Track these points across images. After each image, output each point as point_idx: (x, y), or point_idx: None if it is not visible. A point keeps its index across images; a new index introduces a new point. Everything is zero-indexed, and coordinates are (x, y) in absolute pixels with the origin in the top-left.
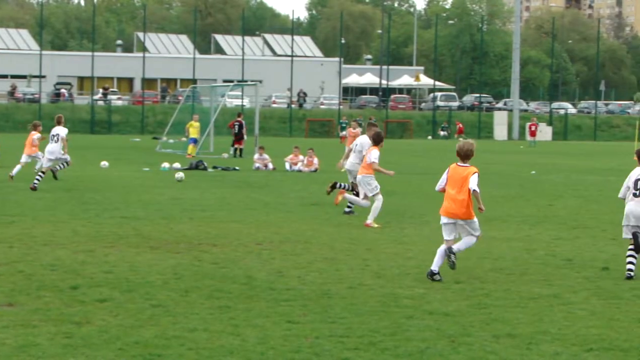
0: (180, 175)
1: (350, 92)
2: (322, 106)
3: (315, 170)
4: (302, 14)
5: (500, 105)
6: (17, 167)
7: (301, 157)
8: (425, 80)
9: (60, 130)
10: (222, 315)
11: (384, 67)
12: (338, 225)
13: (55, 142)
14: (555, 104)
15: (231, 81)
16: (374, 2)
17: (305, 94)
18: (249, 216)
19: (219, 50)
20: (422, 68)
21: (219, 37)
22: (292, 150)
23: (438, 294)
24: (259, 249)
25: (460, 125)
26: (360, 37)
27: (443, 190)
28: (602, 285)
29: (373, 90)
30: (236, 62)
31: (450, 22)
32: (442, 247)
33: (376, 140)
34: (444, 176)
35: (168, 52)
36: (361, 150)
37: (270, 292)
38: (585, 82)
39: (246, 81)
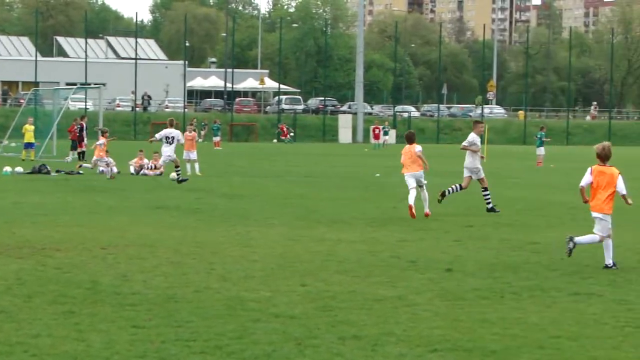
0: (173, 175)
1: (195, 95)
2: (166, 109)
3: (161, 174)
4: (145, 17)
5: (344, 108)
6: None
7: (146, 160)
8: (270, 84)
9: (175, 132)
10: (67, 321)
11: (229, 70)
12: (184, 229)
13: (170, 143)
14: (398, 107)
15: (74, 84)
16: (218, 5)
17: (149, 96)
18: (93, 220)
19: (62, 52)
20: (267, 71)
21: (61, 39)
22: (136, 154)
23: (284, 297)
24: (103, 253)
25: (284, 129)
26: (204, 40)
27: (583, 189)
28: (445, 287)
29: (218, 94)
30: (79, 65)
31: (295, 25)
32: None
33: (410, 139)
34: (588, 176)
35: (9, 54)
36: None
37: (115, 296)
38: (428, 85)
39: (89, 84)
